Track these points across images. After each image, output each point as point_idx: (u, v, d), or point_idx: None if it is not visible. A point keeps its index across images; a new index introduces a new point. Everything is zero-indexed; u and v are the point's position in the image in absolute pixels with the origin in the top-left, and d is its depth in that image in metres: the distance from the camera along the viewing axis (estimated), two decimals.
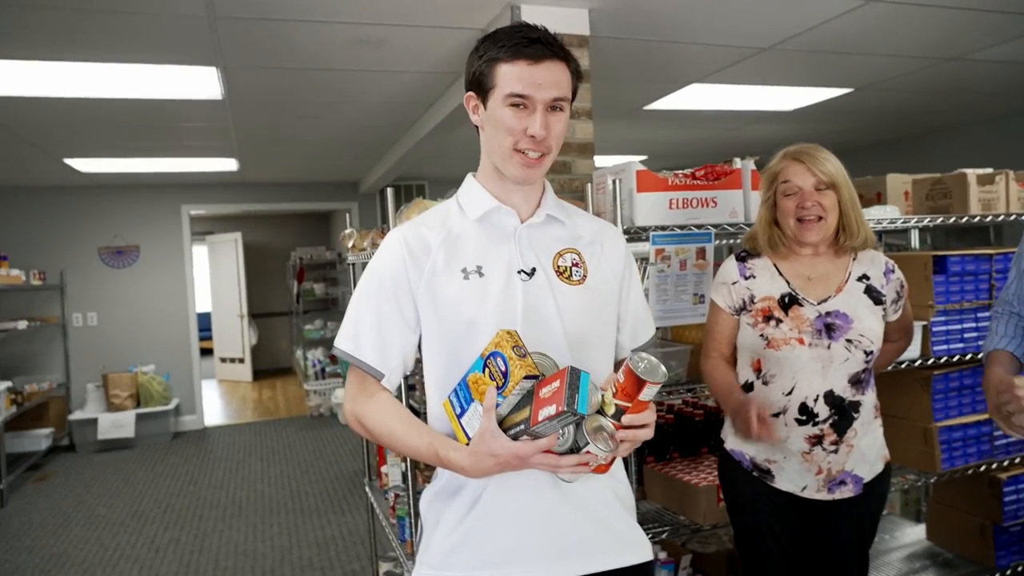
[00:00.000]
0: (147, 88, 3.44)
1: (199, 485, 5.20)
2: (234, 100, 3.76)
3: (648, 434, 1.08)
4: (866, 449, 1.72)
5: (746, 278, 1.79)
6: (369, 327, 1.24)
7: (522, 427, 1.05)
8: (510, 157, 1.21)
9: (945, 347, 2.50)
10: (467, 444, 1.12)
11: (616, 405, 1.04)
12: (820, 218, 1.70)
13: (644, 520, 2.24)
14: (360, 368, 1.24)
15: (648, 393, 1.03)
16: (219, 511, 4.61)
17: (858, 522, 1.75)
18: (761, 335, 1.73)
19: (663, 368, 1.03)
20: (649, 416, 1.06)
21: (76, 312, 6.73)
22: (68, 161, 5.31)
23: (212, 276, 9.80)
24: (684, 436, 2.51)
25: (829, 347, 1.68)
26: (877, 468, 1.75)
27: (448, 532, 1.22)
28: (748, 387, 1.78)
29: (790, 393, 1.70)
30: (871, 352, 1.69)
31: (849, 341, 1.68)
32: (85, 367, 6.71)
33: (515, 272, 1.22)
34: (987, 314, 2.55)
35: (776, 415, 1.72)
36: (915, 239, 3.34)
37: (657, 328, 2.54)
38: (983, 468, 2.57)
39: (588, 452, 1.06)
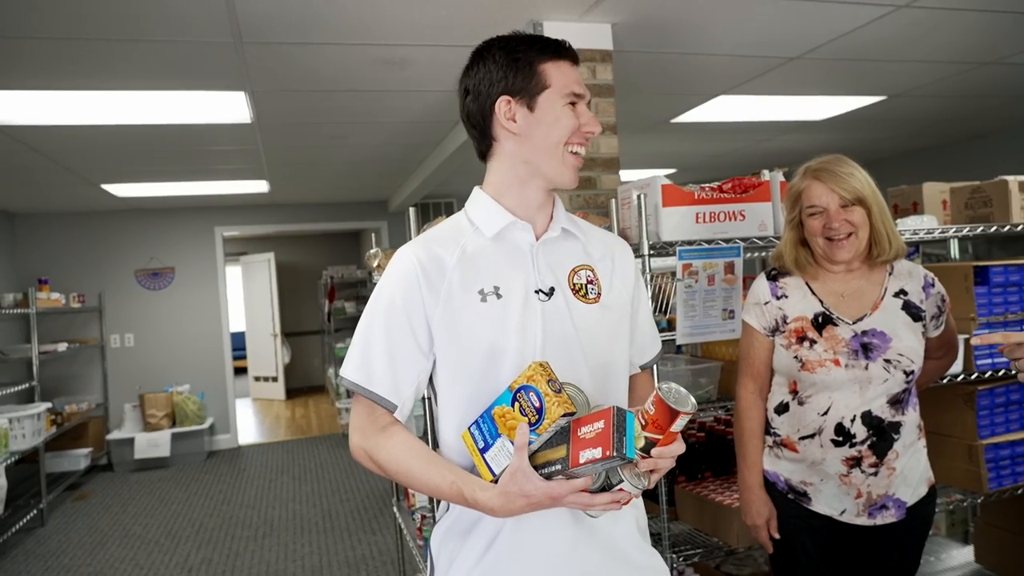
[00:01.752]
0: (178, 114, 3.52)
1: (232, 504, 5.24)
2: (263, 123, 3.82)
3: (672, 464, 1.04)
4: (908, 472, 1.65)
5: (778, 298, 1.73)
6: (380, 355, 1.15)
7: (558, 467, 1.00)
8: (563, 158, 1.18)
9: (989, 361, 2.40)
10: (492, 481, 1.06)
11: (646, 438, 1.00)
12: (850, 235, 1.63)
13: (676, 542, 2.18)
14: (370, 399, 1.16)
15: (680, 424, 0.99)
16: (251, 531, 4.63)
17: (901, 548, 1.67)
18: (795, 357, 1.66)
19: (692, 397, 1.00)
20: (679, 448, 1.02)
21: (114, 334, 6.87)
22: (105, 186, 5.45)
23: (246, 296, 9.95)
24: (716, 455, 2.45)
25: (867, 368, 1.61)
26: (921, 491, 1.67)
27: (465, 573, 1.15)
28: (784, 407, 1.72)
29: (825, 413, 1.64)
30: (911, 372, 1.61)
31: (888, 361, 1.61)
32: (123, 387, 6.84)
33: (532, 292, 1.16)
34: None
35: (811, 436, 1.66)
36: (955, 249, 3.23)
37: (686, 345, 2.50)
38: None
39: (621, 489, 1.01)
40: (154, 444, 6.42)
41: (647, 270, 2.02)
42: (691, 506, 2.29)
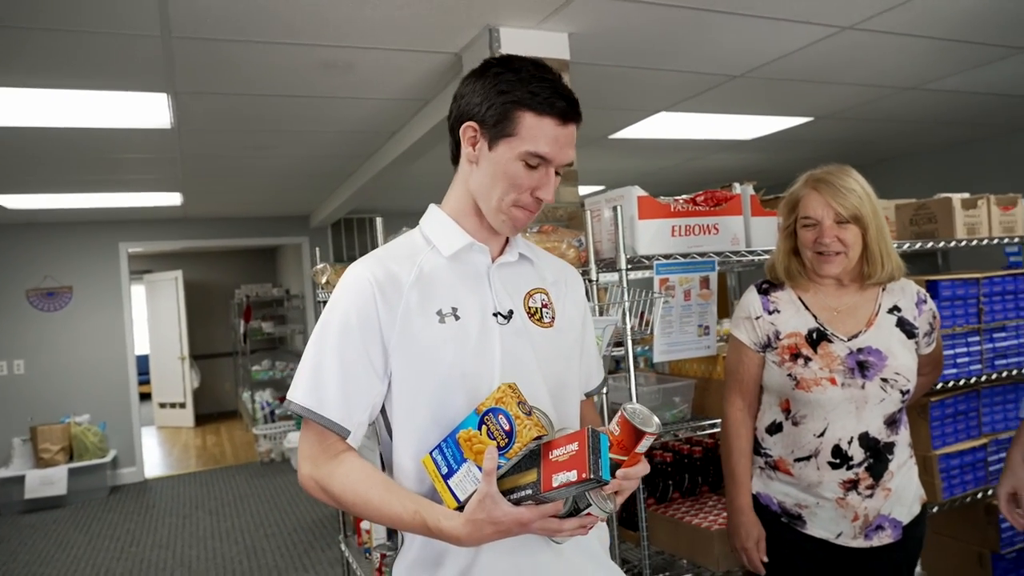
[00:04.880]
0: (88, 116, 3.18)
1: (142, 545, 4.78)
2: (184, 129, 3.52)
3: (636, 486, 1.05)
4: (903, 491, 1.62)
5: (770, 312, 1.67)
6: (333, 378, 1.08)
7: (529, 491, 0.98)
8: (508, 211, 1.13)
9: None
10: (456, 508, 1.01)
11: (611, 459, 0.98)
12: (840, 252, 1.59)
13: (653, 570, 2.09)
14: (321, 425, 1.08)
15: (645, 445, 0.99)
16: (165, 574, 4.22)
17: (896, 569, 1.63)
18: (789, 374, 1.61)
19: (656, 417, 1.00)
20: (643, 469, 1.02)
21: (1, 360, 6.21)
22: None
23: (150, 317, 9.32)
24: (684, 475, 2.38)
25: (863, 387, 1.57)
26: (915, 510, 1.65)
27: None
28: (777, 427, 1.66)
29: (822, 435, 1.59)
30: (907, 391, 1.58)
31: (884, 380, 1.57)
32: (10, 420, 6.18)
33: (490, 315, 1.13)
34: (977, 338, 2.54)
35: (807, 458, 1.61)
36: None
37: (658, 363, 2.43)
38: (979, 495, 2.53)
39: (588, 513, 1.00)
40: (48, 481, 5.82)
41: (624, 285, 1.93)
42: (664, 530, 2.20)
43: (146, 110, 3.14)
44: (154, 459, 7.51)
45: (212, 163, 4.38)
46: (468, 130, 1.12)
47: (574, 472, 0.93)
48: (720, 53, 3.01)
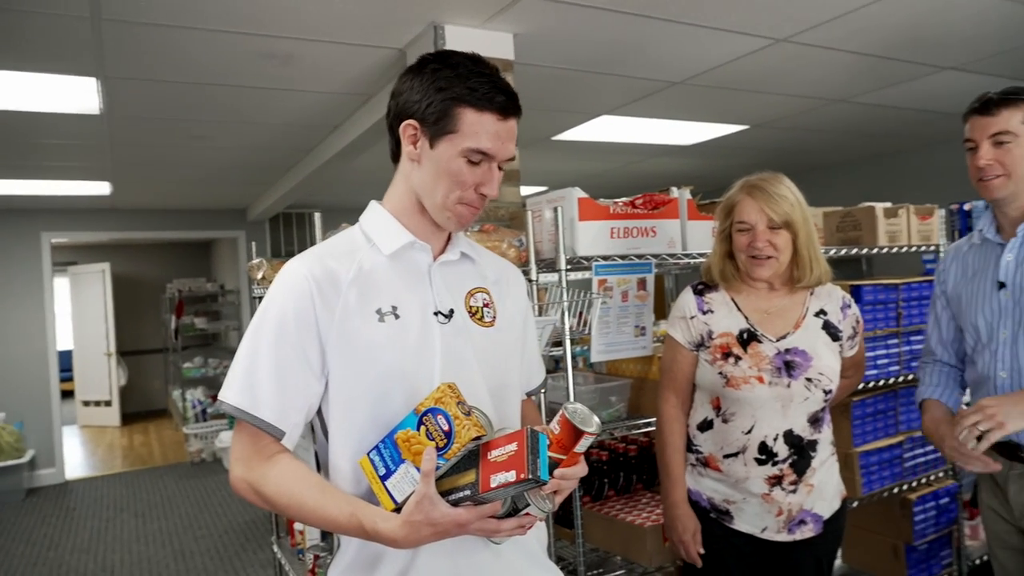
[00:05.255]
0: (8, 98, 3.02)
1: (61, 550, 4.57)
2: (114, 116, 3.39)
3: (575, 485, 1.06)
4: (824, 487, 1.69)
5: (704, 312, 1.72)
6: (267, 377, 1.05)
7: (468, 492, 0.97)
8: (452, 208, 1.12)
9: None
10: (393, 510, 1.00)
11: (550, 458, 0.98)
12: (770, 257, 1.65)
13: (587, 567, 2.12)
14: (254, 426, 1.05)
15: (584, 445, 0.99)
16: None
17: (817, 561, 1.71)
18: (720, 373, 1.66)
19: (596, 417, 1.00)
20: (582, 469, 1.03)
21: None
22: None
23: (74, 311, 8.90)
24: (619, 473, 2.42)
25: (789, 386, 1.63)
26: (835, 505, 1.72)
27: None
28: (708, 424, 1.71)
29: (749, 432, 1.64)
30: (830, 391, 1.66)
31: (809, 380, 1.64)
32: None
33: (431, 314, 1.12)
34: (896, 341, 2.67)
35: (735, 454, 1.66)
36: None
37: (596, 363, 2.46)
38: (895, 490, 2.66)
39: (527, 514, 1.00)
40: None
41: (563, 285, 1.96)
42: (599, 527, 2.23)
43: (73, 94, 3.00)
44: (76, 460, 7.18)
45: (144, 152, 4.22)
46: (408, 128, 1.11)
47: (512, 472, 0.93)
48: (661, 60, 3.08)
